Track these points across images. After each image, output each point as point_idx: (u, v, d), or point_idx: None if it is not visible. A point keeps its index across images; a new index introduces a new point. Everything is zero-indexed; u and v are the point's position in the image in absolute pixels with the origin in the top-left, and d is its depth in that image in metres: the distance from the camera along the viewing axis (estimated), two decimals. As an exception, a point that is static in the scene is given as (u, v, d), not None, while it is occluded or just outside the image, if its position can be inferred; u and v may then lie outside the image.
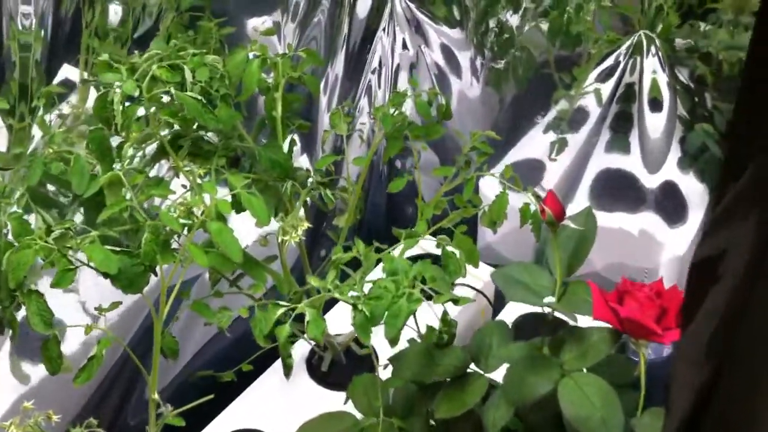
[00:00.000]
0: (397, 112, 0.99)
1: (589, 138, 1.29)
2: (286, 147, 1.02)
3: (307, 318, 0.76)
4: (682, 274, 1.30)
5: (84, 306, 1.13)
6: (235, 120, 0.95)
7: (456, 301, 0.80)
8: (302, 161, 1.30)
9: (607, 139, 1.27)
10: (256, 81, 0.98)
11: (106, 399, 1.11)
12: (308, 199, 1.02)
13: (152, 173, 1.03)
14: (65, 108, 1.12)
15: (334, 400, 1.08)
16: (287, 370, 0.83)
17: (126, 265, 0.86)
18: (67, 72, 1.26)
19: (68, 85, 1.22)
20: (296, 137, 1.13)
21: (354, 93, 1.34)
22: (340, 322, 1.07)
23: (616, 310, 0.74)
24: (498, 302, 1.37)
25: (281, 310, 0.76)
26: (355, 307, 0.78)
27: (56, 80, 1.22)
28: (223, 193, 0.92)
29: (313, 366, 1.12)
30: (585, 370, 0.79)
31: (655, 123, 1.28)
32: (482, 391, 0.83)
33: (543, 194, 1.35)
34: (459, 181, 1.03)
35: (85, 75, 1.19)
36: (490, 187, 1.11)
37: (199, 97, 0.90)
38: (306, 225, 0.95)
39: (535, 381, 0.78)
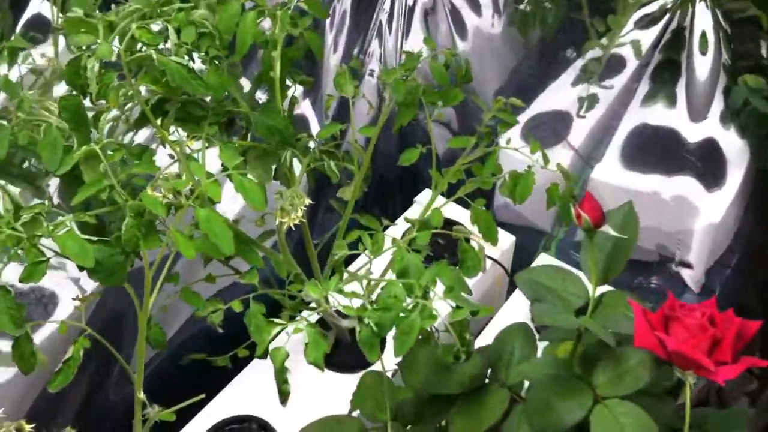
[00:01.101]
0: (410, 77, 0.87)
1: (625, 91, 1.16)
2: (286, 105, 0.91)
3: (305, 339, 0.66)
4: (715, 242, 1.20)
5: (78, 283, 1.04)
6: (227, 86, 0.83)
7: (475, 312, 0.70)
8: (308, 116, 1.19)
9: (645, 92, 1.15)
10: (252, 36, 0.86)
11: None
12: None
13: (138, 139, 0.93)
14: (38, 58, 1.00)
15: (339, 384, 1.00)
16: (283, 397, 0.74)
17: (104, 255, 0.77)
18: (39, 5, 1.13)
19: (41, 24, 1.09)
20: (298, 95, 1.02)
21: (363, 35, 1.21)
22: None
23: (663, 341, 0.64)
24: (515, 271, 1.27)
25: (276, 329, 0.66)
26: (360, 320, 0.68)
27: (25, 16, 1.09)
28: (216, 165, 0.82)
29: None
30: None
31: (701, 71, 1.16)
32: (502, 407, 0.74)
33: (570, 150, 1.25)
34: (479, 153, 0.92)
35: (59, 18, 1.06)
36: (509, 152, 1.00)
37: (185, 62, 0.78)
38: (307, 202, 0.85)
39: (563, 407, 0.69)
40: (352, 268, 1.11)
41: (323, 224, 1.26)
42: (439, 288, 0.74)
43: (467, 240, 1.09)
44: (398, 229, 1.18)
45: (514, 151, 0.89)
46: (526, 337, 0.78)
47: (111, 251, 0.77)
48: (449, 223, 1.18)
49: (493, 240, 0.93)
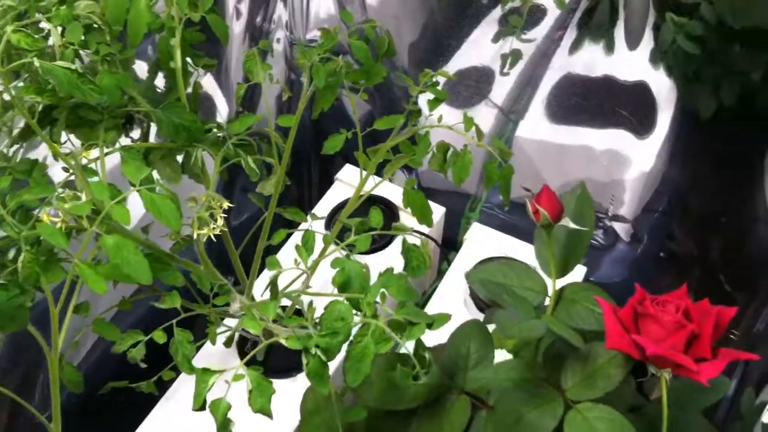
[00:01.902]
0: (329, 58, 0.78)
1: (548, 41, 1.10)
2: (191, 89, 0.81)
3: (248, 386, 0.58)
4: (646, 190, 1.17)
5: None
6: (124, 86, 0.73)
7: (431, 324, 0.64)
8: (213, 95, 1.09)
9: (572, 40, 1.09)
10: (146, 24, 0.75)
11: None
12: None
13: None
14: None
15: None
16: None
17: (0, 300, 0.67)
18: None
19: None
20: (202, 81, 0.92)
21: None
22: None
23: (641, 344, 0.59)
24: (447, 244, 1.22)
25: (213, 378, 0.58)
26: (306, 351, 0.61)
27: None
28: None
29: (246, 353, 0.95)
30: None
31: (633, 10, 1.10)
32: (465, 417, 0.69)
33: (493, 108, 1.19)
34: (408, 133, 0.84)
35: None
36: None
37: (74, 66, 0.68)
38: (226, 205, 0.76)
39: (534, 417, 0.64)
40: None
41: (239, 208, 1.17)
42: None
43: (423, 234, 1.03)
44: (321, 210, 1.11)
45: (447, 128, 0.82)
46: (480, 336, 0.73)
47: (8, 294, 0.67)
48: (377, 201, 1.12)
49: (428, 222, 0.86)
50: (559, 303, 0.67)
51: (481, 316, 1.00)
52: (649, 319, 0.60)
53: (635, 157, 1.12)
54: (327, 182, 1.20)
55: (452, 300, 1.03)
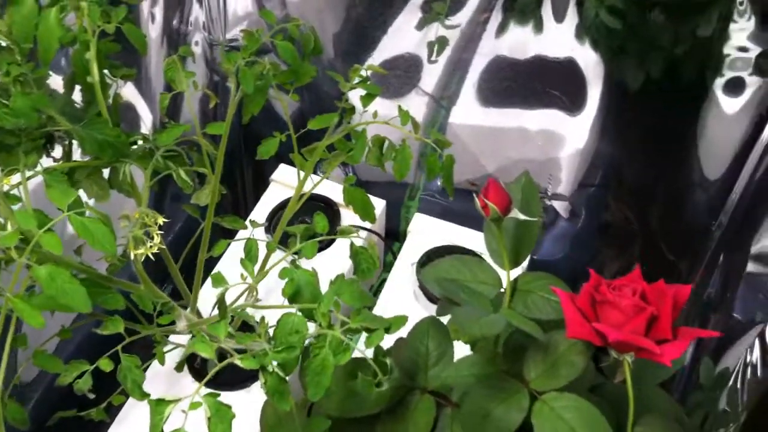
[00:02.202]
0: (254, 62, 0.75)
1: (473, 24, 1.09)
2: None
3: (207, 413, 0.56)
4: (581, 166, 1.17)
5: None
6: (40, 106, 0.69)
7: (388, 329, 0.62)
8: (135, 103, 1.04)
9: (498, 22, 1.08)
10: (57, 39, 0.72)
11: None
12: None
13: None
14: None
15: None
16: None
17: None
18: None
19: None
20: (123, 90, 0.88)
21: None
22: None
23: (604, 332, 0.58)
24: (389, 235, 1.20)
25: (169, 409, 0.55)
26: (263, 369, 0.59)
27: None
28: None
29: (196, 369, 0.92)
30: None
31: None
32: (430, 418, 0.68)
33: (424, 96, 1.17)
34: (344, 131, 0.82)
35: None
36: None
37: (-19, 91, 0.64)
38: (161, 221, 0.73)
39: (500, 412, 0.63)
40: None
41: (172, 217, 1.13)
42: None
43: (365, 229, 1.01)
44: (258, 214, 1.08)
45: (384, 123, 0.80)
46: (438, 333, 0.71)
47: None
48: (317, 199, 1.09)
49: (371, 218, 0.85)
50: (514, 294, 0.66)
51: (432, 307, 0.99)
52: (608, 306, 0.59)
53: (569, 135, 1.12)
54: (262, 183, 1.17)
55: (402, 293, 1.02)
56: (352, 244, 0.73)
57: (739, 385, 0.65)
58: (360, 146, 0.79)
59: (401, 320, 0.63)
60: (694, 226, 1.12)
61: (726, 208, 1.05)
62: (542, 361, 0.64)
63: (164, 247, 0.73)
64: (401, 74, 1.12)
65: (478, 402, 0.64)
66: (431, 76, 1.13)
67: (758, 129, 0.97)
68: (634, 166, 1.21)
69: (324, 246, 1.04)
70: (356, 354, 0.61)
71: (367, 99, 0.81)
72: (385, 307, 1.00)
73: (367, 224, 1.02)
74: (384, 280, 1.07)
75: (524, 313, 0.65)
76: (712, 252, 1.06)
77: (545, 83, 1.08)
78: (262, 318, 0.63)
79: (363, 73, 0.81)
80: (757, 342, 0.64)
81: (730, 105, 0.98)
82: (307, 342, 0.61)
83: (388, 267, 1.22)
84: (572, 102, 1.10)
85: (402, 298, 1.01)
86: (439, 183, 1.26)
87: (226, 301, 0.70)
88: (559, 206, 1.20)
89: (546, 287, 0.65)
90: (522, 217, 0.63)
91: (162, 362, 0.78)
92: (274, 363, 0.59)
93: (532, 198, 0.67)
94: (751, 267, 0.95)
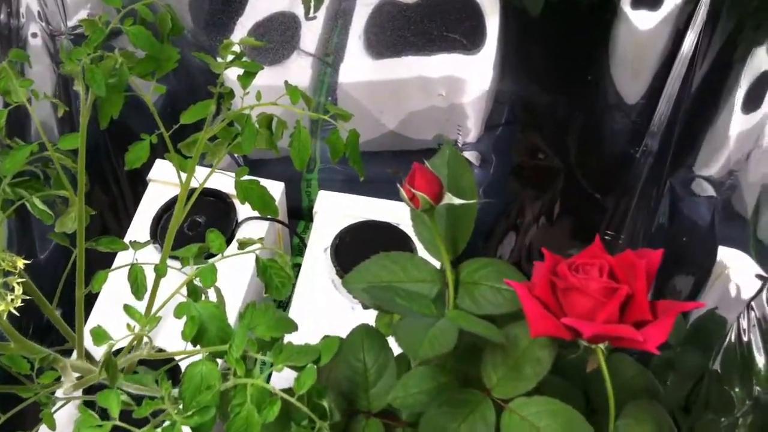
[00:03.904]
0: (101, 56, 0.62)
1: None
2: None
3: None
4: (487, 107, 1.08)
5: None
6: None
7: (318, 360, 0.52)
8: None
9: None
10: None
11: None
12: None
13: None
14: None
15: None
16: None
17: None
18: None
19: None
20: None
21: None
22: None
23: (575, 328, 0.49)
24: (292, 215, 1.09)
25: None
26: (174, 441, 0.47)
27: None
28: None
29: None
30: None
31: None
32: (380, 447, 0.58)
33: (307, 57, 1.05)
34: (227, 118, 0.70)
35: None
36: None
37: None
38: (21, 264, 0.60)
39: (463, 431, 0.53)
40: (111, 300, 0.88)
41: (41, 242, 0.99)
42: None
43: (265, 218, 0.90)
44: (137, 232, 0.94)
45: (271, 105, 0.68)
46: (374, 343, 0.61)
47: None
48: (206, 195, 0.97)
49: (273, 211, 0.73)
50: (459, 289, 0.56)
51: (350, 298, 0.89)
52: (573, 293, 0.50)
53: (472, 77, 1.02)
54: (142, 183, 1.03)
55: (318, 285, 0.91)
56: (258, 260, 0.62)
57: (739, 340, 0.56)
58: (248, 134, 0.67)
59: (333, 344, 0.52)
60: (616, 156, 1.05)
61: (651, 131, 0.97)
62: (502, 362, 0.55)
63: (29, 296, 0.60)
64: (277, 36, 1.00)
65: (435, 423, 0.54)
66: (312, 33, 1.01)
67: (677, 44, 0.90)
68: (543, 98, 1.12)
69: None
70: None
71: (246, 78, 0.69)
72: (301, 306, 0.89)
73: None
74: (296, 266, 0.96)
75: (473, 310, 0.55)
76: (645, 180, 0.99)
77: (441, 25, 0.97)
78: (162, 375, 0.51)
79: (236, 48, 0.69)
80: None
81: (643, 21, 0.90)
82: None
83: (295, 251, 1.11)
84: (471, 41, 1.00)
85: (319, 291, 0.90)
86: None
87: (120, 353, 0.58)
88: (471, 156, 1.11)
89: (494, 276, 0.55)
90: (457, 201, 0.52)
91: (52, 427, 0.65)
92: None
93: (461, 171, 0.57)
94: (692, 188, 0.89)
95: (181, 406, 0.50)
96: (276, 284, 0.61)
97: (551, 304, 0.51)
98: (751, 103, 0.86)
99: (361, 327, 0.62)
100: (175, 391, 0.51)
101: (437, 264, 0.58)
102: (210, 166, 0.73)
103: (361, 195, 0.99)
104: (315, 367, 0.49)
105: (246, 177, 0.73)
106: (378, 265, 0.57)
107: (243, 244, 0.63)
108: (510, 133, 1.16)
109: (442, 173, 0.57)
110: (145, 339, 0.58)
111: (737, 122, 0.87)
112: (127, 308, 0.54)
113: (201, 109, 0.69)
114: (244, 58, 0.69)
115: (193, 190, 0.71)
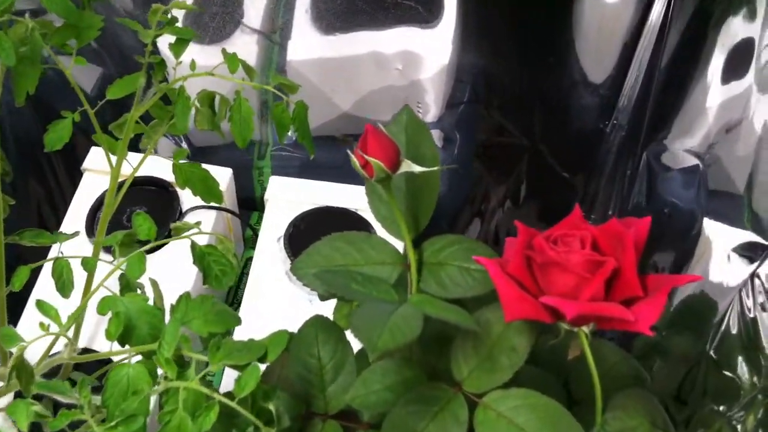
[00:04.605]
0: (11, 21, 0.54)
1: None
2: None
3: None
4: (448, 84, 1.01)
5: None
6: None
7: (264, 357, 0.45)
8: None
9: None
10: None
11: None
12: None
13: None
14: None
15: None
16: None
17: None
18: None
19: None
20: None
21: None
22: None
23: (556, 308, 0.43)
24: (243, 205, 1.01)
25: None
26: (96, 459, 0.40)
27: None
28: None
29: None
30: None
31: None
32: (340, 452, 0.51)
33: (253, 34, 0.98)
34: (159, 92, 0.63)
35: None
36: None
37: None
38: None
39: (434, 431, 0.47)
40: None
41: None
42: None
43: (212, 207, 0.83)
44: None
45: (207, 75, 0.61)
46: (329, 336, 0.54)
47: None
48: (146, 183, 0.89)
49: (217, 197, 0.66)
50: (422, 271, 0.50)
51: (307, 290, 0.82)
52: (553, 268, 0.44)
53: (430, 52, 0.95)
54: (78, 173, 0.95)
55: (272, 277, 0.84)
56: (193, 246, 0.55)
57: (742, 318, 0.50)
58: (181, 109, 0.60)
59: (281, 339, 0.46)
60: (585, 132, 0.99)
61: (621, 105, 0.92)
62: (474, 351, 0.48)
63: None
64: (219, 11, 0.92)
65: (401, 423, 0.47)
66: (255, 8, 0.93)
67: (645, 13, 0.84)
68: (506, 73, 1.06)
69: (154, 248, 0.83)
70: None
71: (178, 46, 0.62)
72: (253, 301, 0.82)
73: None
74: (249, 260, 0.89)
75: (440, 293, 0.49)
76: (617, 156, 0.94)
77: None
78: (81, 380, 0.44)
79: (168, 15, 0.62)
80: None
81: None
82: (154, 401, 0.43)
83: (249, 243, 1.04)
84: (429, 10, 0.94)
85: (273, 284, 0.83)
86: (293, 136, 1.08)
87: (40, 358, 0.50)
88: (434, 136, 1.04)
89: (462, 254, 0.49)
90: (416, 168, 0.46)
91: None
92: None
93: (421, 137, 0.51)
94: (671, 162, 0.83)
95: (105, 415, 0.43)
96: (216, 273, 0.54)
97: (527, 283, 0.45)
98: (730, 73, 0.81)
99: (314, 319, 0.55)
100: (99, 399, 0.43)
101: (399, 245, 0.51)
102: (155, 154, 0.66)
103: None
104: (258, 365, 0.43)
105: (187, 160, 0.66)
106: (330, 248, 0.50)
107: (178, 230, 0.56)
108: (473, 110, 1.10)
109: (400, 140, 0.51)
110: (64, 340, 0.51)
111: (716, 93, 0.82)
112: (41, 305, 0.47)
113: (128, 83, 0.62)
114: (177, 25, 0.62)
115: (123, 183, 0.64)
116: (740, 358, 0.47)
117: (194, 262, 0.55)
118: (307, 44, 0.96)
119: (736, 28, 0.81)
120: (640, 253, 0.45)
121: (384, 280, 0.49)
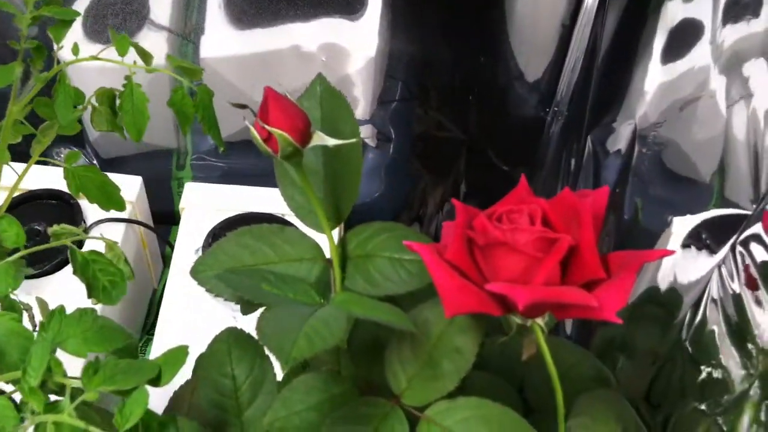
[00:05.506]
0: None
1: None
2: None
3: None
4: (378, 80, 0.95)
5: None
6: None
7: (157, 379, 0.37)
8: None
9: None
10: None
11: None
12: None
13: None
14: None
15: None
16: None
17: None
18: None
19: None
20: None
21: None
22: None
23: (506, 296, 0.35)
24: (163, 220, 0.93)
25: None
26: None
27: None
28: None
29: None
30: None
31: None
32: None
33: (161, 31, 0.90)
34: (38, 84, 0.54)
35: None
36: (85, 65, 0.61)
37: None
38: None
39: (371, 456, 0.39)
40: None
41: None
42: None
43: (124, 220, 0.75)
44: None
45: (92, 61, 0.53)
46: (245, 352, 0.46)
47: None
48: (46, 196, 0.80)
49: (118, 205, 0.58)
50: (347, 266, 0.42)
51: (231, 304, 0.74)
52: (498, 249, 0.37)
53: (356, 44, 0.88)
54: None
55: (191, 292, 0.75)
56: (73, 253, 0.46)
57: (721, 302, 0.44)
58: (63, 100, 0.52)
59: (176, 358, 0.38)
60: (524, 123, 0.93)
61: (560, 93, 0.86)
62: (412, 357, 0.41)
63: None
64: (121, 7, 0.84)
65: (332, 448, 0.40)
66: (161, 3, 0.86)
67: (577, 4, 0.80)
68: (439, 68, 1.00)
69: (58, 264, 0.74)
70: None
71: (59, 30, 0.54)
72: (170, 320, 0.74)
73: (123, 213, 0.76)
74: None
75: (368, 291, 0.42)
76: (558, 146, 0.88)
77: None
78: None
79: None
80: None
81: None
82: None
83: (168, 261, 0.95)
84: (350, 2, 0.87)
85: (192, 300, 0.75)
86: (210, 141, 0.99)
87: None
88: (364, 133, 0.97)
89: (393, 243, 0.42)
90: (331, 141, 0.38)
91: None
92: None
93: (340, 112, 0.43)
94: (615, 146, 0.78)
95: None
96: (104, 284, 0.46)
97: (469, 271, 0.38)
98: (671, 54, 0.76)
99: (227, 333, 0.47)
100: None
101: (321, 238, 0.44)
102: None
103: (239, 187, 0.85)
104: (146, 390, 0.35)
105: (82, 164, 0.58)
106: (237, 245, 0.43)
107: (57, 235, 0.47)
108: (407, 107, 1.04)
109: (314, 116, 0.43)
110: None
111: (658, 74, 0.77)
112: None
113: (4, 74, 0.53)
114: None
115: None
116: (723, 348, 0.41)
117: (75, 273, 0.46)
118: (222, 40, 0.88)
119: (675, 10, 0.76)
120: (599, 228, 0.38)
121: (301, 280, 0.42)
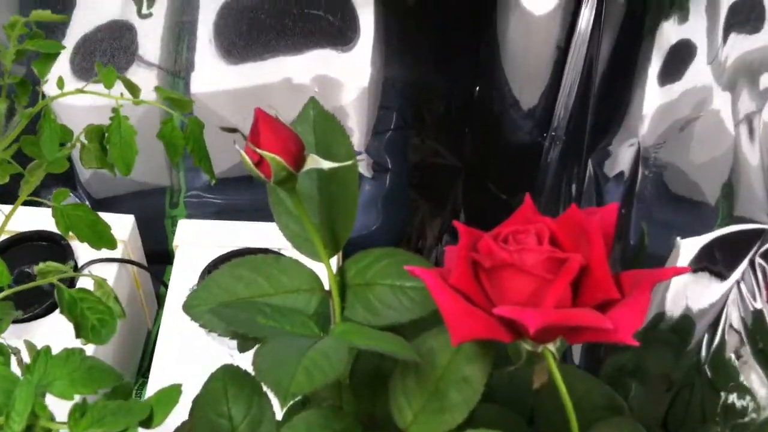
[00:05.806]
0: None
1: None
2: None
3: None
4: (372, 109, 0.94)
5: None
6: None
7: (149, 420, 0.35)
8: None
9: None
10: None
11: None
12: None
13: None
14: None
15: None
16: None
17: None
18: None
19: None
20: None
21: None
22: None
23: (517, 320, 0.34)
24: (157, 260, 0.91)
25: None
26: None
27: None
28: None
29: None
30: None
31: None
32: None
33: (150, 68, 0.89)
34: (23, 121, 0.53)
35: None
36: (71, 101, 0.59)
37: None
38: None
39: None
40: None
41: None
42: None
43: (117, 260, 0.73)
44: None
45: (81, 100, 0.52)
46: (242, 390, 0.44)
47: None
48: (38, 238, 0.78)
49: (109, 243, 0.56)
50: (347, 295, 0.41)
51: (228, 343, 0.72)
52: (506, 271, 0.35)
53: (348, 75, 0.87)
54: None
55: (185, 331, 0.73)
56: (60, 292, 0.44)
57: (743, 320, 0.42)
58: (48, 133, 0.50)
59: (168, 398, 0.36)
60: (522, 149, 0.92)
61: (557, 117, 0.85)
62: (418, 388, 0.39)
63: None
64: (109, 45, 0.83)
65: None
66: (150, 39, 0.85)
67: (572, 22, 0.79)
68: (433, 97, 0.99)
69: (49, 308, 0.72)
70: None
71: (43, 64, 0.52)
72: (165, 359, 0.72)
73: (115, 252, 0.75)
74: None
75: (369, 321, 0.40)
76: (557, 171, 0.86)
77: (304, 13, 0.83)
78: None
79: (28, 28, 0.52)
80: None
81: (537, 5, 0.78)
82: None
83: (163, 301, 0.93)
84: (343, 32, 0.86)
85: (187, 339, 0.73)
86: (203, 178, 0.98)
87: None
88: (361, 163, 0.96)
89: (394, 270, 0.40)
90: (326, 164, 0.37)
91: None
92: None
93: (333, 133, 0.42)
94: (615, 169, 0.76)
95: None
96: (93, 323, 0.44)
97: (475, 295, 0.36)
98: (668, 75, 0.75)
99: (221, 370, 0.45)
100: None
101: (319, 268, 0.42)
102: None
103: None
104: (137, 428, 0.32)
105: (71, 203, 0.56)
106: (231, 277, 0.41)
107: (43, 273, 0.46)
108: (403, 136, 1.03)
109: (308, 141, 0.42)
110: None
111: (656, 95, 0.76)
112: None
113: (-18, 110, 0.52)
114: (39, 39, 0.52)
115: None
116: (746, 369, 0.38)
117: (62, 312, 0.44)
118: (213, 75, 0.87)
119: (670, 30, 0.75)
120: (610, 245, 0.36)
121: (300, 311, 0.40)
